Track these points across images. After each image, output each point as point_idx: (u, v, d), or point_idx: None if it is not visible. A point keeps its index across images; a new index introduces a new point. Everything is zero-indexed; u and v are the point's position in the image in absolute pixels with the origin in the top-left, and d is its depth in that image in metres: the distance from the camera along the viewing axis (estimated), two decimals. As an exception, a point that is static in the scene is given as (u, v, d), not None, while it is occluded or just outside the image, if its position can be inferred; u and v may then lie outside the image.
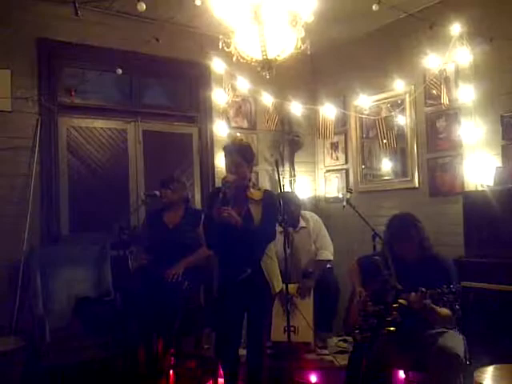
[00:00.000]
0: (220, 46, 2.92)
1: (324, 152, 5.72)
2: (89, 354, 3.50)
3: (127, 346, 3.53)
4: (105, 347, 3.54)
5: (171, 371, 3.66)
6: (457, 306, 2.62)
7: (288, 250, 4.10)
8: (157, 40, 3.88)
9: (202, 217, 3.82)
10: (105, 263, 4.08)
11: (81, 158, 4.48)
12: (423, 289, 2.60)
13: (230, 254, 3.00)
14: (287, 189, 5.37)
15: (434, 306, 2.61)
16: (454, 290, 2.56)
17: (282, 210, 3.14)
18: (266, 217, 3.03)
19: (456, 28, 4.04)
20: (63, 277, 3.87)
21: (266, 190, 3.20)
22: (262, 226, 3.00)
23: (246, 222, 2.95)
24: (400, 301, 2.71)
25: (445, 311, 2.65)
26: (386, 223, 3.05)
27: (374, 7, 3.61)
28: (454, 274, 2.84)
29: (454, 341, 2.73)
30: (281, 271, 3.21)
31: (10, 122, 4.02)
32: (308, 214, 4.56)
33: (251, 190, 3.12)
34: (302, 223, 4.41)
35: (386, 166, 5.13)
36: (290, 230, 4.25)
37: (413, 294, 2.63)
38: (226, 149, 3.12)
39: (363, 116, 5.15)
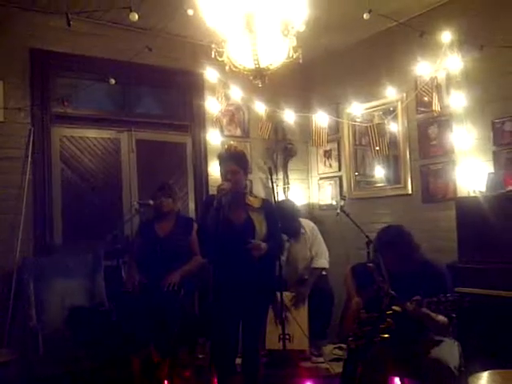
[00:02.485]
0: (213, 55, 2.93)
1: (317, 159, 5.74)
2: (83, 365, 3.47)
3: (121, 356, 3.50)
4: (99, 357, 3.51)
5: (166, 381, 3.63)
6: (453, 315, 2.62)
7: (284, 258, 4.13)
8: (149, 49, 3.89)
9: (195, 225, 3.84)
10: (98, 273, 4.06)
11: (74, 168, 4.48)
12: (419, 297, 2.60)
13: (231, 265, 2.97)
14: (281, 196, 5.37)
15: (431, 313, 2.61)
16: (451, 298, 2.56)
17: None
18: (275, 231, 3.06)
19: (446, 36, 4.08)
20: (56, 287, 3.85)
21: (264, 199, 3.21)
22: (275, 242, 3.02)
23: (248, 229, 2.97)
24: (394, 308, 2.71)
25: (441, 318, 2.66)
26: (376, 236, 3.05)
27: (365, 16, 3.64)
28: (448, 281, 2.84)
29: (449, 350, 2.73)
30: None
31: (3, 132, 4.01)
32: (304, 221, 4.57)
33: (249, 197, 3.12)
34: (301, 231, 4.42)
35: (379, 172, 5.16)
36: (285, 237, 4.26)
37: (408, 303, 2.64)
38: (220, 156, 3.13)
39: (356, 123, 5.18)
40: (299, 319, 4.00)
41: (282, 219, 3.35)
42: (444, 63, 4.21)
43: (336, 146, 5.49)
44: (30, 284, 3.75)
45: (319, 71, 5.61)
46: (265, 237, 3.02)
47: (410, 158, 4.74)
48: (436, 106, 4.24)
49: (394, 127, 4.80)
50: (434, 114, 4.38)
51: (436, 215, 4.42)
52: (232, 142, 5.05)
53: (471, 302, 2.61)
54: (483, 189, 3.91)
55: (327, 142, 5.00)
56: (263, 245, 2.95)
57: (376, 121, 4.89)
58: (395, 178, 4.95)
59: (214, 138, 5.07)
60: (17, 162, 4.06)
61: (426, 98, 4.45)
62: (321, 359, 4.06)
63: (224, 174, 3.05)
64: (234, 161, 3.04)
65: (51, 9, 3.99)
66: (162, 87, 5.09)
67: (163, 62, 4.72)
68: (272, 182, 3.27)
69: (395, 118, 4.80)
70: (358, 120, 5.15)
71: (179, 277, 3.68)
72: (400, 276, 2.84)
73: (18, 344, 3.63)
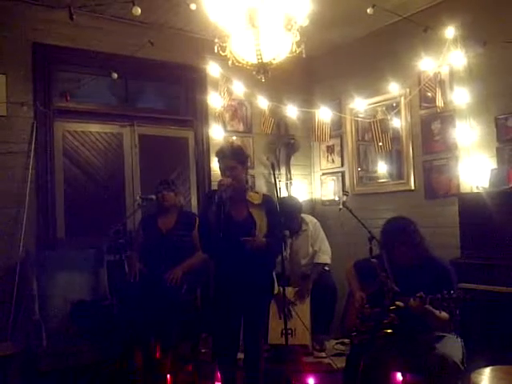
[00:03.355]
0: (215, 50, 2.93)
1: (320, 155, 5.73)
2: (85, 359, 3.48)
3: (124, 350, 3.51)
4: (101, 351, 3.52)
5: (168, 375, 3.65)
6: (457, 312, 2.62)
7: (286, 253, 4.13)
8: (151, 44, 3.88)
9: (198, 220, 3.84)
10: (101, 267, 4.07)
11: (77, 163, 4.48)
12: (422, 294, 2.60)
13: (232, 261, 2.97)
14: (284, 192, 5.37)
15: (434, 310, 2.61)
16: (454, 295, 2.56)
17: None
18: (276, 227, 3.04)
19: (450, 31, 4.07)
20: (59, 281, 3.86)
21: (264, 195, 3.20)
22: (275, 238, 3.01)
23: (249, 225, 2.97)
24: (397, 303, 2.72)
25: (444, 315, 2.66)
26: (382, 227, 3.06)
27: (368, 11, 3.64)
28: (453, 278, 2.84)
29: (452, 346, 2.74)
30: (277, 274, 3.22)
31: (6, 127, 4.01)
32: (307, 217, 4.57)
33: (249, 193, 3.12)
34: (303, 226, 4.42)
35: (382, 168, 5.15)
36: (287, 233, 4.26)
37: (411, 299, 2.64)
38: (218, 153, 3.12)
39: (359, 119, 5.17)
40: (302, 314, 4.00)
41: (284, 216, 3.35)
42: (447, 59, 4.20)
43: (339, 141, 5.48)
44: (32, 278, 3.76)
45: (322, 66, 5.60)
46: (266, 232, 3.02)
47: (413, 153, 4.73)
48: (439, 102, 4.23)
49: (397, 123, 4.79)
50: (437, 110, 4.36)
51: (439, 211, 4.42)
52: (234, 137, 5.10)
53: (473, 298, 2.61)
54: (486, 185, 3.90)
55: (330, 138, 4.99)
56: (259, 238, 2.95)
57: (379, 116, 4.88)
58: (398, 174, 4.95)
59: (217, 133, 5.07)
60: (19, 156, 4.06)
61: (429, 94, 4.44)
62: (323, 354, 4.06)
63: (223, 171, 3.05)
64: (232, 157, 3.04)
65: (54, 3, 3.98)
66: (165, 82, 5.08)
67: (166, 56, 4.71)
68: (274, 178, 3.27)
69: (398, 113, 4.79)
70: (360, 115, 5.14)
71: (181, 272, 3.69)
72: (404, 271, 2.84)
73: (21, 337, 3.65)
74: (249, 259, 2.94)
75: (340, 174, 5.49)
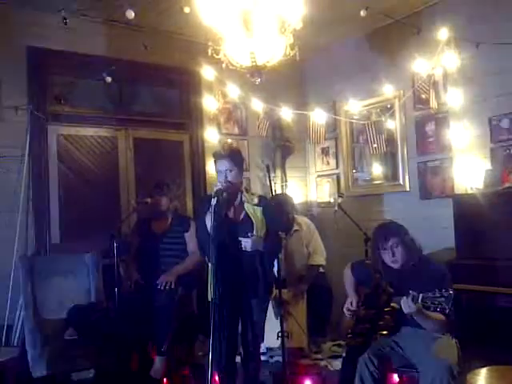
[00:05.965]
0: (209, 53, 2.93)
1: (315, 157, 5.74)
2: (81, 363, 3.47)
3: (120, 354, 3.50)
4: (98, 356, 3.51)
5: (165, 379, 3.64)
6: (448, 311, 2.63)
7: (281, 255, 4.13)
8: (145, 47, 3.88)
9: (192, 223, 3.85)
10: (96, 272, 4.06)
11: (71, 167, 4.47)
12: (414, 293, 2.61)
13: (231, 263, 2.96)
14: (280, 191, 5.36)
15: (426, 311, 2.62)
16: (445, 294, 2.56)
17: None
18: (273, 228, 3.04)
19: (443, 33, 4.09)
20: (55, 285, 3.84)
21: (260, 196, 3.19)
22: (272, 239, 3.02)
23: (246, 226, 2.96)
24: (392, 305, 2.72)
25: (438, 316, 2.66)
26: (373, 231, 3.06)
27: (361, 13, 3.66)
28: (447, 278, 2.84)
29: (447, 347, 2.74)
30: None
31: (-1, 131, 4.00)
32: (300, 218, 4.57)
33: (246, 194, 3.12)
34: (295, 227, 4.42)
35: (377, 170, 5.16)
36: (282, 234, 4.26)
37: (404, 298, 2.64)
38: (215, 155, 3.11)
39: (353, 121, 5.18)
40: (298, 316, 4.00)
41: (277, 213, 3.35)
42: (441, 60, 4.22)
43: (333, 143, 5.49)
44: (27, 283, 3.74)
45: (316, 68, 5.60)
46: (264, 233, 3.02)
47: (408, 155, 4.74)
48: (433, 103, 4.25)
49: (392, 124, 4.80)
50: (431, 111, 4.39)
51: (434, 212, 4.43)
52: (229, 140, 5.10)
53: (469, 299, 2.62)
54: (480, 186, 3.92)
55: (325, 140, 5.01)
56: (254, 239, 2.94)
57: (373, 118, 4.90)
58: (393, 175, 4.96)
59: (212, 136, 5.06)
60: (14, 160, 4.03)
61: (423, 95, 4.46)
62: (319, 356, 4.06)
63: (219, 173, 3.05)
64: (229, 159, 3.02)
65: (47, 7, 3.98)
66: (159, 85, 5.07)
67: (160, 59, 4.70)
68: (270, 180, 3.27)
69: (393, 115, 4.80)
70: (355, 117, 5.15)
71: (175, 275, 3.69)
72: (398, 272, 2.85)
73: (16, 343, 3.63)
74: (247, 260, 2.94)
75: (335, 176, 5.50)
